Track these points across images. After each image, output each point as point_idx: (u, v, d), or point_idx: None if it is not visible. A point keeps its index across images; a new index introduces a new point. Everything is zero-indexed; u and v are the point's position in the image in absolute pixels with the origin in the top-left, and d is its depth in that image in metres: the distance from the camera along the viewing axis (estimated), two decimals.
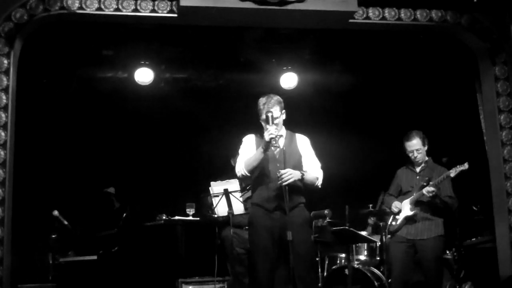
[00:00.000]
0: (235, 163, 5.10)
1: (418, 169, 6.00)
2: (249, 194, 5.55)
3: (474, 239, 7.03)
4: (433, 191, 5.65)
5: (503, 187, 6.27)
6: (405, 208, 5.93)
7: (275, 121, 4.80)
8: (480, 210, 7.11)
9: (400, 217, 5.95)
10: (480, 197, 6.95)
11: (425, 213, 5.85)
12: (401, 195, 6.06)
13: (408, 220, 5.90)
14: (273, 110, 4.84)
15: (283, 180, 4.67)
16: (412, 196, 5.88)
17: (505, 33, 6.37)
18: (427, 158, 6.00)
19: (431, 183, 5.70)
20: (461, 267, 6.82)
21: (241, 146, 5.05)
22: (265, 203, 4.82)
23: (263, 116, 4.83)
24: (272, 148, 4.74)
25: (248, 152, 4.94)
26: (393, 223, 6.01)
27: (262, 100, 4.90)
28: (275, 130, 4.72)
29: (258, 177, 4.88)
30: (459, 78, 7.41)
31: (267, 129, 4.73)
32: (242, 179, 5.45)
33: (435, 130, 7.74)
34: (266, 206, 4.82)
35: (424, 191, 5.69)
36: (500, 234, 6.32)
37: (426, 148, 5.95)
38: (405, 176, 6.08)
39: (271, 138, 4.65)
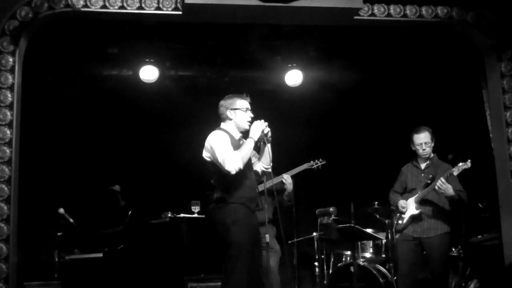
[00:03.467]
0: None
1: (423, 166, 5.98)
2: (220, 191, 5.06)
3: (480, 236, 7.01)
4: (444, 183, 5.62)
5: (509, 184, 6.26)
6: (410, 207, 5.92)
7: None
8: (486, 208, 7.08)
9: (406, 216, 5.93)
10: (486, 195, 6.93)
11: (430, 211, 5.84)
12: (406, 192, 6.05)
13: (414, 218, 5.88)
14: None
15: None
16: (417, 195, 5.87)
17: (511, 29, 6.35)
18: (433, 155, 5.99)
19: (434, 181, 5.68)
20: (467, 265, 6.80)
21: (222, 142, 4.79)
22: (248, 203, 4.81)
23: (247, 120, 4.93)
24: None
25: (231, 147, 4.78)
26: (399, 222, 5.99)
27: (247, 102, 5.00)
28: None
29: (238, 176, 4.78)
30: (465, 74, 7.38)
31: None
32: (222, 176, 4.90)
33: (441, 126, 7.73)
34: (250, 206, 4.82)
35: (437, 185, 5.66)
36: (506, 231, 6.31)
37: (433, 144, 5.95)
38: (410, 173, 6.07)
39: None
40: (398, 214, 6.03)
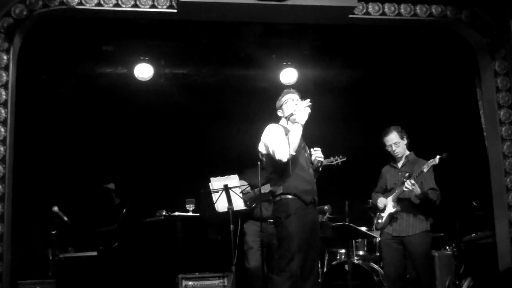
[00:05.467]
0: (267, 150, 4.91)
1: (399, 165, 6.01)
2: (274, 185, 5.01)
3: (474, 234, 7.03)
4: (414, 184, 5.65)
5: (503, 183, 6.27)
6: (388, 206, 5.94)
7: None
8: (480, 206, 7.10)
9: (385, 215, 5.95)
10: (480, 193, 6.95)
11: (407, 210, 5.84)
12: (386, 192, 6.06)
13: (392, 217, 5.90)
14: None
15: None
16: (394, 193, 5.88)
17: (505, 28, 6.37)
18: (408, 153, 6.00)
19: (410, 178, 5.70)
20: (461, 263, 6.82)
21: (274, 132, 4.88)
22: (303, 195, 4.78)
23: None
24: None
25: (281, 137, 4.83)
26: (379, 220, 6.02)
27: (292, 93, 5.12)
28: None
29: (292, 167, 4.75)
30: (459, 73, 7.40)
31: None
32: (277, 167, 4.88)
33: (435, 125, 7.76)
34: (304, 199, 4.78)
35: (405, 186, 5.68)
36: (500, 229, 6.32)
37: (405, 142, 5.97)
38: (388, 174, 6.09)
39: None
40: (378, 213, 6.06)
